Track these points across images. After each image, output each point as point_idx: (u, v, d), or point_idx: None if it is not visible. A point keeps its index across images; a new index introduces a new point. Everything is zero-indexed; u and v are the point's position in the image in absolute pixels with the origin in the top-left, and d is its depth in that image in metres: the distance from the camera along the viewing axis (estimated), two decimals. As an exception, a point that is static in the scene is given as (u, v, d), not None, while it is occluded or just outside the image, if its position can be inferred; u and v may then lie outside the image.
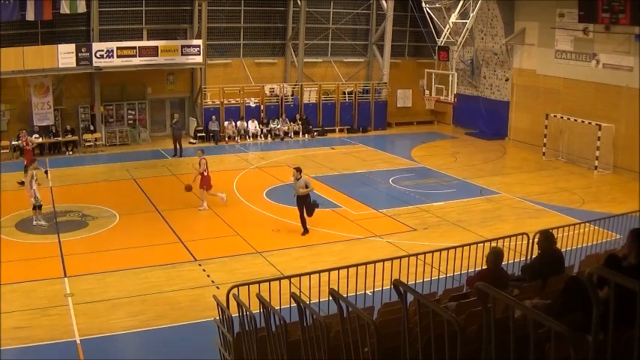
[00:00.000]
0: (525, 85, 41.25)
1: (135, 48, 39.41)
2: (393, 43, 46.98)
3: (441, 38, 39.60)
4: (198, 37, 41.34)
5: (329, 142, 42.80)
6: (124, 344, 16.41)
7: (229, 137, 42.20)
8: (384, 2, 45.81)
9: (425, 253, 16.72)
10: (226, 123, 42.41)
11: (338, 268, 14.35)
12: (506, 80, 42.84)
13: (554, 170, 34.84)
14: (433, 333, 6.00)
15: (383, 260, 15.52)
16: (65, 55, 37.85)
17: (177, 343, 15.95)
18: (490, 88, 44.34)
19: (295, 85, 45.42)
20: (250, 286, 13.01)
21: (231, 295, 12.84)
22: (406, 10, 47.52)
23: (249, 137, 42.69)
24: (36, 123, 39.07)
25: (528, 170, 35.11)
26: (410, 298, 6.41)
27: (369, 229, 24.85)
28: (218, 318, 13.15)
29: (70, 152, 39.08)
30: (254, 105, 43.73)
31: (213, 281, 19.73)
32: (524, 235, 16.89)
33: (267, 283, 13.98)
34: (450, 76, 37.91)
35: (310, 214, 24.24)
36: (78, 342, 15.97)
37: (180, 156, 37.79)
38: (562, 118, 36.88)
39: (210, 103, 42.78)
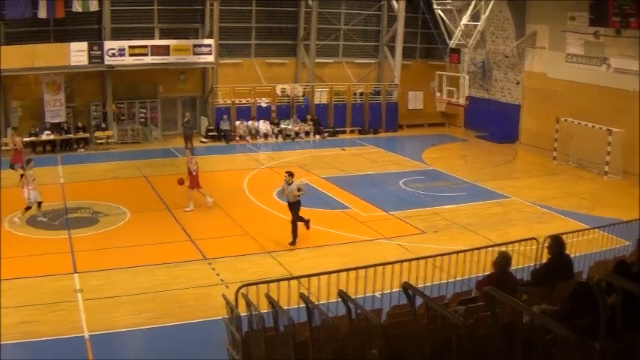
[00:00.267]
0: (536, 88, 41.12)
1: (147, 47, 39.54)
2: (404, 45, 46.87)
3: (452, 40, 39.56)
4: (210, 36, 41.41)
5: (340, 143, 42.75)
6: (132, 341, 16.46)
7: (240, 137, 42.24)
8: (395, 3, 45.83)
9: (434, 256, 16.74)
10: (238, 122, 42.46)
11: (347, 270, 14.37)
12: (517, 83, 42.77)
13: (564, 175, 34.75)
14: (441, 336, 6.04)
15: (392, 262, 15.55)
16: (77, 53, 38.02)
17: (184, 341, 15.99)
18: (501, 90, 44.24)
19: (306, 85, 45.36)
20: (259, 285, 13.05)
21: (240, 294, 12.88)
22: (417, 12, 47.55)
23: (260, 137, 42.71)
24: (48, 120, 39.24)
25: (538, 174, 35.01)
26: (418, 301, 6.45)
27: (379, 231, 24.82)
28: (227, 317, 13.19)
29: (82, 149, 39.20)
30: (265, 105, 43.76)
31: (222, 280, 19.76)
32: (534, 240, 16.88)
33: (276, 283, 14.01)
34: (461, 78, 37.85)
35: (298, 220, 23.24)
36: (86, 337, 16.05)
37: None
38: (572, 122, 36.72)
39: (222, 102, 42.82)
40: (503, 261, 11.89)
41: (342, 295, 8.35)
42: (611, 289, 5.42)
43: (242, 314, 12.13)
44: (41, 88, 39.11)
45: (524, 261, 17.12)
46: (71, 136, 39.57)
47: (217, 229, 25.31)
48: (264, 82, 44.49)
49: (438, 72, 41.26)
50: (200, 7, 42.40)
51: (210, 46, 40.78)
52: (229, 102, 42.90)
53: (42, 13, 37.44)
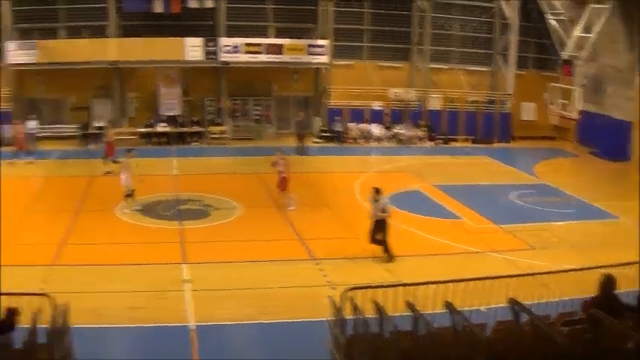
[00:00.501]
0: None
1: (261, 45, 40.02)
2: (516, 54, 46.19)
3: (565, 51, 38.79)
4: (324, 37, 41.58)
5: (452, 151, 42.31)
6: (235, 335, 16.60)
7: (353, 139, 42.33)
8: (507, 11, 45.16)
9: (541, 273, 16.47)
10: (351, 124, 42.54)
11: (454, 281, 14.24)
12: (630, 99, 41.41)
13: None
14: (545, 355, 5.97)
15: (499, 277, 15.34)
16: (192, 48, 38.92)
17: (287, 339, 16.04)
18: (614, 106, 42.78)
19: (420, 90, 45.10)
20: (366, 290, 13.05)
21: (346, 297, 12.92)
22: (530, 21, 46.59)
23: (372, 140, 42.71)
24: (163, 112, 40.18)
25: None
26: (523, 317, 6.38)
27: (487, 244, 24.44)
28: (331, 319, 13.25)
29: (196, 143, 39.97)
30: (378, 108, 43.72)
31: (328, 282, 19.76)
32: (642, 264, 16.42)
33: (383, 288, 13.99)
34: (574, 91, 37.05)
35: (376, 242, 21.74)
36: (191, 327, 16.34)
37: (304, 154, 38.02)
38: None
39: (334, 103, 42.97)
40: (609, 283, 11.60)
41: (449, 306, 8.31)
42: None
43: (347, 317, 12.17)
44: (157, 81, 39.99)
45: (632, 285, 16.71)
46: (186, 129, 40.44)
47: (327, 231, 25.31)
48: (377, 85, 44.41)
49: (551, 84, 40.49)
50: (314, 8, 42.60)
51: (324, 46, 40.99)
52: (342, 103, 42.99)
53: (158, 8, 38.32)
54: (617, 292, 11.99)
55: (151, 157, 36.64)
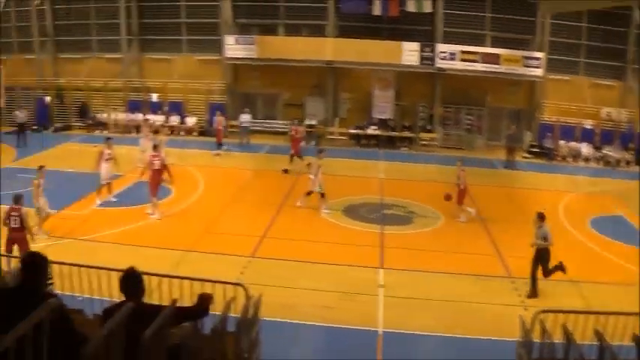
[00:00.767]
0: None
1: (478, 53, 39.52)
2: None
3: None
4: (540, 49, 40.64)
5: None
6: (421, 345, 16.47)
7: (562, 157, 41.19)
8: None
9: None
10: (561, 142, 41.41)
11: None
12: None
13: None
14: None
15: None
16: (409, 52, 38.96)
17: (470, 355, 15.70)
18: None
19: (631, 112, 42.96)
20: (559, 314, 12.70)
21: (537, 320, 12.62)
22: None
23: (580, 159, 41.37)
24: (375, 115, 40.50)
25: None
26: None
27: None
28: (520, 339, 12.98)
29: (405, 148, 40.02)
30: (589, 127, 42.19)
31: (522, 302, 19.33)
32: None
33: (575, 314, 13.56)
34: None
35: (547, 274, 19.96)
36: (380, 333, 16.34)
37: (513, 168, 37.33)
38: None
39: (547, 118, 41.94)
40: None
41: (637, 341, 7.97)
42: None
43: (535, 340, 11.89)
44: (371, 83, 40.33)
45: None
46: (396, 133, 40.58)
47: (528, 249, 24.50)
48: (589, 103, 42.68)
49: None
50: (532, 19, 41.64)
51: (539, 59, 39.99)
52: (553, 119, 41.89)
53: (376, 10, 38.66)
54: None
55: (360, 159, 37.12)
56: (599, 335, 8.62)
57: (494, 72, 39.72)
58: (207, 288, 12.35)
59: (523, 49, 41.07)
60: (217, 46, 43.45)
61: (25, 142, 39.49)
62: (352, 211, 26.96)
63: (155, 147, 27.60)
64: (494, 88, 41.69)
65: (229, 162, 33.71)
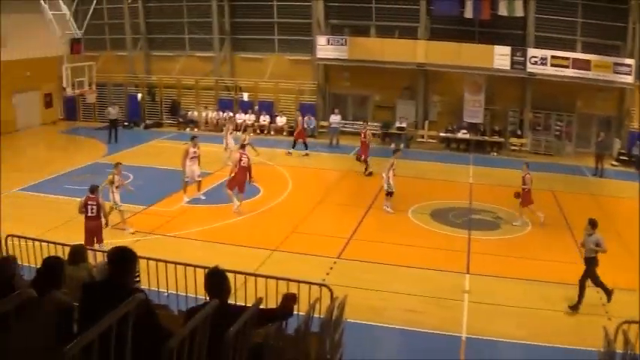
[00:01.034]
0: None
1: (568, 59, 38.83)
2: None
3: None
4: (631, 56, 39.73)
5: None
6: (503, 352, 16.34)
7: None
8: None
9: None
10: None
11: None
12: None
13: None
14: None
15: None
16: (500, 56, 38.50)
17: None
18: None
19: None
20: (640, 325, 12.42)
21: (620, 330, 12.38)
22: None
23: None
24: (465, 119, 40.24)
25: None
26: None
27: None
28: (602, 350, 12.75)
29: (494, 153, 39.61)
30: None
31: (607, 311, 18.96)
32: None
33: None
34: None
35: (597, 283, 18.86)
36: (463, 338, 16.31)
37: (601, 176, 36.61)
38: None
39: (636, 126, 40.92)
40: None
41: None
42: None
43: (617, 351, 11.66)
44: (462, 86, 40.07)
45: None
46: (486, 138, 40.23)
47: (614, 259, 23.75)
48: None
49: None
50: (624, 25, 40.63)
51: (630, 66, 39.03)
52: (641, 128, 40.84)
53: (468, 13, 38.47)
54: None
55: (449, 162, 36.93)
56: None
57: (585, 78, 38.87)
58: (293, 288, 12.47)
59: (614, 56, 40.16)
60: (309, 47, 43.70)
61: (116, 138, 40.27)
62: (440, 215, 26.87)
63: (243, 146, 27.96)
64: (584, 94, 40.79)
65: (318, 162, 33.85)
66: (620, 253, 23.48)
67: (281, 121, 43.87)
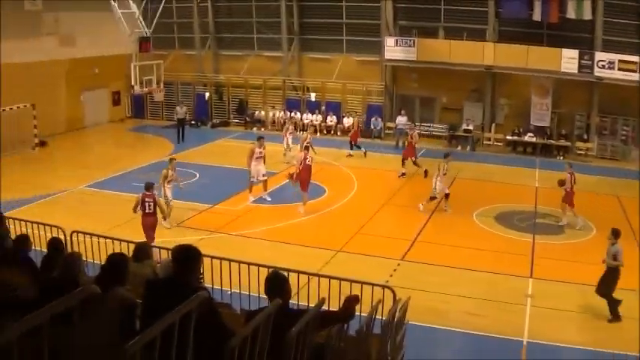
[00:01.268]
0: None
1: (636, 63, 38.19)
2: None
3: None
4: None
5: None
6: (564, 357, 16.26)
7: None
8: None
9: None
10: None
11: None
12: None
13: None
14: None
15: None
16: (568, 60, 38.05)
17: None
18: None
19: None
20: None
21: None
22: None
23: None
24: (532, 122, 39.93)
25: None
26: None
27: None
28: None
29: (561, 157, 39.18)
30: None
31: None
32: None
33: None
34: None
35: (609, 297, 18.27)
36: (524, 343, 16.33)
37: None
38: None
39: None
40: None
41: None
42: None
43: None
44: (529, 89, 39.77)
45: None
46: (553, 142, 39.84)
47: None
48: None
49: None
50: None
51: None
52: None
53: (536, 16, 38.18)
54: None
55: (515, 165, 36.71)
56: None
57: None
58: (355, 288, 12.55)
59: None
60: (377, 48, 43.75)
61: (183, 137, 40.77)
62: (504, 219, 26.78)
63: (307, 147, 28.18)
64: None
65: (384, 164, 33.84)
66: None
67: (348, 121, 43.94)
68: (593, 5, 37.71)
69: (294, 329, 5.99)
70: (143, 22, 37.14)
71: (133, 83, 36.56)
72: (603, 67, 38.02)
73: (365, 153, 37.61)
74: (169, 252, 8.43)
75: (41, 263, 10.76)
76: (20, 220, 17.95)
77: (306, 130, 38.51)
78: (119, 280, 7.35)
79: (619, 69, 37.92)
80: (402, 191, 30.83)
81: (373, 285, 13.53)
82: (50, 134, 40.64)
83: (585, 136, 40.21)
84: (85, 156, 38.61)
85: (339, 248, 22.68)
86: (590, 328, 17.60)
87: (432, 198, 27.43)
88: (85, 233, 17.22)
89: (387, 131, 43.04)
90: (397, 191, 30.74)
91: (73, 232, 17.15)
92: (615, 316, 18.05)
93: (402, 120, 41.13)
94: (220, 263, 14.97)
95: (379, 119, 43.08)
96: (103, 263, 8.02)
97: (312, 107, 45.34)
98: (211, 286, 14.29)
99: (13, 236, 13.29)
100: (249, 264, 14.48)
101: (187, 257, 6.89)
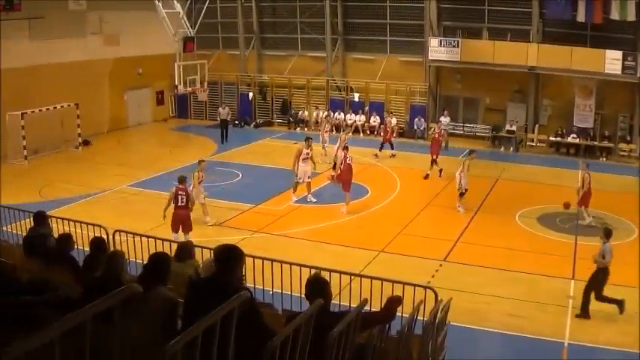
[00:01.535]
0: None
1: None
2: None
3: None
4: None
5: None
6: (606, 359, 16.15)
7: None
8: None
9: None
10: None
11: None
12: None
13: None
14: None
15: None
16: (611, 61, 37.69)
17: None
18: None
19: None
20: None
21: None
22: None
23: None
24: (575, 123, 39.67)
25: None
26: None
27: None
28: None
29: (604, 158, 38.89)
30: None
31: None
32: None
33: None
34: None
35: (600, 298, 18.10)
36: (565, 344, 16.31)
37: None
38: None
39: None
40: None
41: None
42: None
43: None
44: (572, 90, 39.49)
45: None
46: (596, 143, 39.56)
47: None
48: None
49: None
50: None
51: None
52: None
53: (580, 17, 37.87)
54: None
55: (558, 167, 36.47)
56: None
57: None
58: (397, 289, 12.54)
59: None
60: (421, 48, 43.77)
61: (227, 137, 41.00)
62: (547, 220, 26.72)
63: (346, 147, 28.19)
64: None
65: (426, 164, 33.60)
66: None
67: (391, 122, 43.86)
68: (637, 6, 37.27)
69: (335, 329, 6.00)
70: (187, 22, 37.38)
71: (176, 83, 36.77)
72: (646, 67, 37.64)
73: (376, 155, 37.89)
74: (211, 252, 8.47)
75: (83, 262, 10.90)
76: (63, 219, 18.23)
77: (344, 130, 38.51)
78: (161, 279, 7.40)
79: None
80: (444, 192, 30.72)
81: (415, 286, 13.54)
82: (94, 133, 41.17)
83: (628, 138, 39.83)
84: (127, 155, 39.01)
85: (381, 248, 22.75)
86: (633, 330, 17.41)
87: (461, 194, 27.66)
88: (127, 232, 17.37)
89: (430, 132, 42.95)
90: (440, 192, 30.66)
91: (116, 231, 17.33)
92: (584, 313, 18.07)
93: (445, 120, 41.01)
94: (262, 263, 15.03)
95: (422, 120, 43.03)
96: (145, 262, 8.06)
97: (356, 107, 45.34)
98: (253, 286, 14.34)
99: (56, 235, 13.46)
100: (291, 264, 14.54)
101: (229, 257, 6.91)
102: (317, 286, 7.56)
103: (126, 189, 30.22)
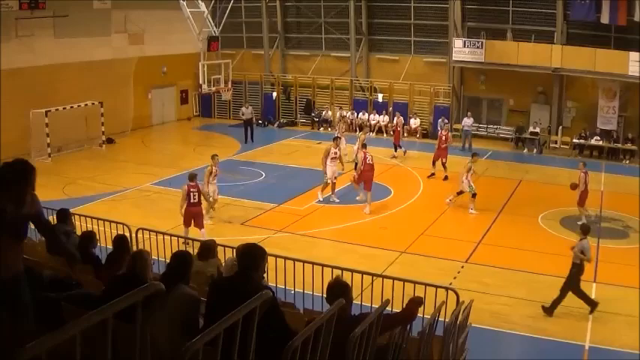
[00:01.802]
0: None
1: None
2: None
3: None
4: None
5: None
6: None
7: None
8: None
9: None
10: None
11: None
12: None
13: None
14: None
15: None
16: (635, 62, 37.43)
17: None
18: None
19: None
20: None
21: None
22: None
23: None
24: (599, 126, 39.48)
25: None
26: None
27: None
28: None
29: (627, 161, 38.67)
30: None
31: None
32: None
33: None
34: None
35: (577, 293, 18.26)
36: (586, 347, 16.34)
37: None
38: None
39: None
40: None
41: None
42: None
43: None
44: (596, 92, 39.31)
45: None
46: (619, 145, 39.35)
47: None
48: None
49: None
50: None
51: None
52: None
53: (604, 19, 37.72)
54: None
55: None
56: None
57: None
58: (419, 290, 12.55)
59: None
60: (445, 49, 43.79)
61: (252, 137, 41.04)
62: (570, 222, 26.62)
63: (364, 145, 28.21)
64: None
65: (449, 165, 33.52)
66: None
67: (414, 122, 43.82)
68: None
69: (357, 330, 6.01)
70: (212, 22, 37.50)
71: (200, 82, 36.89)
72: (670, 70, 37.39)
73: (405, 152, 38.09)
74: (234, 250, 8.51)
75: (106, 260, 10.96)
76: (86, 216, 18.39)
77: (362, 130, 38.49)
78: (183, 277, 7.44)
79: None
80: (467, 193, 30.63)
81: (437, 287, 13.54)
82: (118, 132, 41.35)
83: (656, 140, 39.58)
84: (151, 154, 39.18)
85: (403, 249, 22.79)
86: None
87: (474, 195, 27.70)
88: (150, 230, 17.46)
89: (453, 133, 42.83)
90: (462, 193, 30.56)
91: (139, 229, 17.42)
92: (551, 310, 18.12)
93: (468, 122, 40.94)
94: (285, 262, 15.09)
95: (446, 120, 42.97)
96: (167, 261, 8.11)
97: (379, 108, 45.32)
98: (275, 285, 14.38)
99: (79, 232, 13.55)
100: (313, 264, 14.60)
101: (251, 256, 6.94)
102: (337, 290, 7.55)
103: (149, 187, 30.41)
